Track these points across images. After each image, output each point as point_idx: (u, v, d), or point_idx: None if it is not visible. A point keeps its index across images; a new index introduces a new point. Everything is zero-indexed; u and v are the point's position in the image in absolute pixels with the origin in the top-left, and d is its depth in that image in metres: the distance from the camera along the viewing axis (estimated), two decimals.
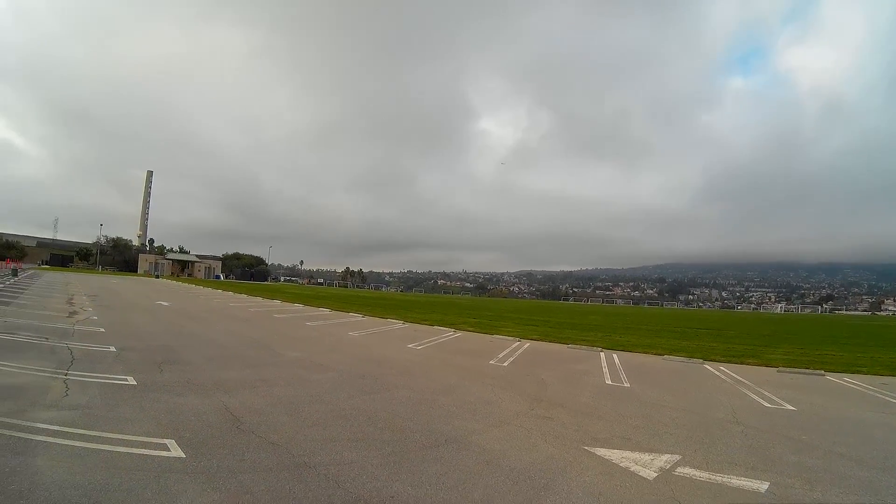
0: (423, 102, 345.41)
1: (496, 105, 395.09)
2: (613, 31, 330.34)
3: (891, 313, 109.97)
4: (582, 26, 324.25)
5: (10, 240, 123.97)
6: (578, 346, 19.62)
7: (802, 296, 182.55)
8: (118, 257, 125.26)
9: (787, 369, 16.21)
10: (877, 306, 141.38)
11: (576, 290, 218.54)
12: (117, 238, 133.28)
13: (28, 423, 6.51)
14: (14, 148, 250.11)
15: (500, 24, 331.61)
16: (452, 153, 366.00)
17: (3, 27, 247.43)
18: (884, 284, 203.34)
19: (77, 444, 5.98)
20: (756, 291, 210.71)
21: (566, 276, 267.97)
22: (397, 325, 25.25)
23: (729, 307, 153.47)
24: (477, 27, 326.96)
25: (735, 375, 14.81)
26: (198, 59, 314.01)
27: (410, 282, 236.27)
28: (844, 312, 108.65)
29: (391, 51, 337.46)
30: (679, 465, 6.66)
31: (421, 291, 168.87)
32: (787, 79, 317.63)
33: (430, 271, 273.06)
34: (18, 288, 32.41)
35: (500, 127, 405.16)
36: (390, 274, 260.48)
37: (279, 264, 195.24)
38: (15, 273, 48.76)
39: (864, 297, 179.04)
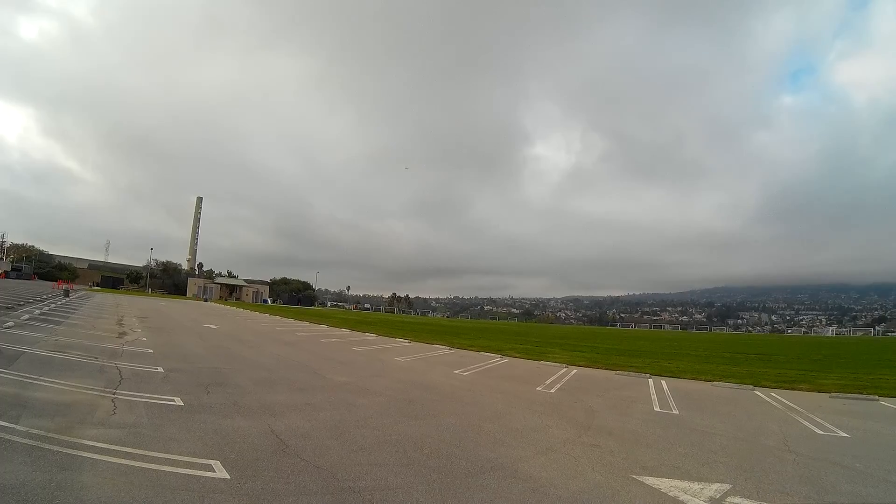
0: (478, 127, 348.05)
1: (549, 129, 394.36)
2: (667, 52, 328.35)
3: None
4: (637, 47, 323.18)
5: (62, 262, 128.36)
6: (626, 373, 19.11)
7: (854, 318, 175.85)
8: (168, 280, 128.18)
9: (840, 394, 15.53)
10: None
11: (623, 315, 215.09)
12: (167, 262, 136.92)
13: (75, 440, 6.51)
14: (72, 174, 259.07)
15: (556, 47, 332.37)
16: (505, 178, 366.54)
17: (62, 57, 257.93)
18: None
19: (123, 461, 5.94)
20: (806, 314, 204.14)
21: (613, 301, 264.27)
22: (444, 350, 25.02)
23: (779, 331, 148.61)
24: (534, 51, 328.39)
25: (786, 401, 14.22)
26: (257, 87, 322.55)
27: (457, 307, 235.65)
28: None
29: (448, 78, 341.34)
30: (729, 495, 6.38)
31: (467, 317, 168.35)
32: (840, 94, 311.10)
33: (476, 297, 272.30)
34: (70, 308, 33.18)
35: (553, 151, 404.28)
36: (436, 299, 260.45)
37: (326, 289, 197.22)
38: (67, 294, 50.05)
39: None
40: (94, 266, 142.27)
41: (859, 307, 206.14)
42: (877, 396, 15.26)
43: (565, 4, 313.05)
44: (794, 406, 13.48)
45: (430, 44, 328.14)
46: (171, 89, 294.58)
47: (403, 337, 31.60)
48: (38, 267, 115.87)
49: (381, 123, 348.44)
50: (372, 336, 31.75)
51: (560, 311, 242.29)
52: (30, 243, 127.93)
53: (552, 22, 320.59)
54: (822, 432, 10.63)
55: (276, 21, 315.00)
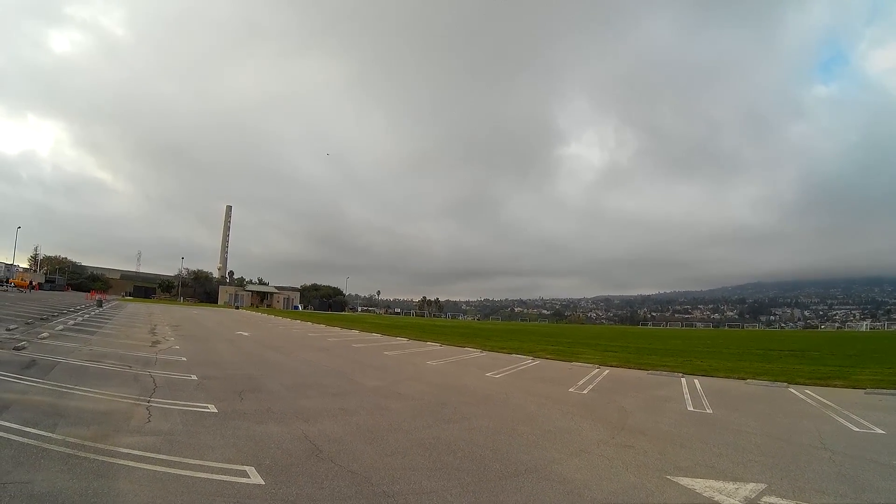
0: (512, 127, 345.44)
1: (582, 126, 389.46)
2: (699, 45, 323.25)
3: None
4: (669, 41, 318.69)
5: (95, 272, 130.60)
6: (659, 372, 18.83)
7: (888, 311, 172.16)
8: (199, 289, 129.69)
9: (876, 390, 15.12)
10: None
11: (654, 314, 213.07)
12: (198, 270, 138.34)
13: (111, 448, 6.55)
14: (104, 186, 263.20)
15: (589, 44, 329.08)
16: (539, 177, 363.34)
17: (93, 68, 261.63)
18: None
19: (159, 469, 5.96)
20: (840, 309, 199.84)
21: (644, 300, 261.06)
22: (475, 353, 24.90)
23: (812, 326, 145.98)
24: (567, 48, 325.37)
25: (821, 398, 13.90)
26: (290, 92, 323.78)
27: (487, 310, 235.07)
28: None
29: (483, 77, 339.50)
30: (765, 495, 6.26)
31: (498, 319, 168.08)
32: (876, 82, 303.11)
33: (506, 299, 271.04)
34: (103, 318, 33.69)
35: (586, 148, 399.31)
36: (466, 302, 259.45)
37: (356, 294, 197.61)
38: (100, 304, 50.83)
39: None
40: (126, 276, 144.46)
41: (894, 300, 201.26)
42: None
43: (596, 2, 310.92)
44: (829, 403, 13.18)
45: (461, 44, 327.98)
46: (203, 96, 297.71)
47: (434, 340, 31.54)
48: (71, 278, 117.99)
49: (414, 125, 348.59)
50: (403, 340, 31.73)
51: (591, 311, 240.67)
52: (63, 255, 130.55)
53: (585, 19, 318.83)
54: (857, 429, 10.39)
55: (311, 26, 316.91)
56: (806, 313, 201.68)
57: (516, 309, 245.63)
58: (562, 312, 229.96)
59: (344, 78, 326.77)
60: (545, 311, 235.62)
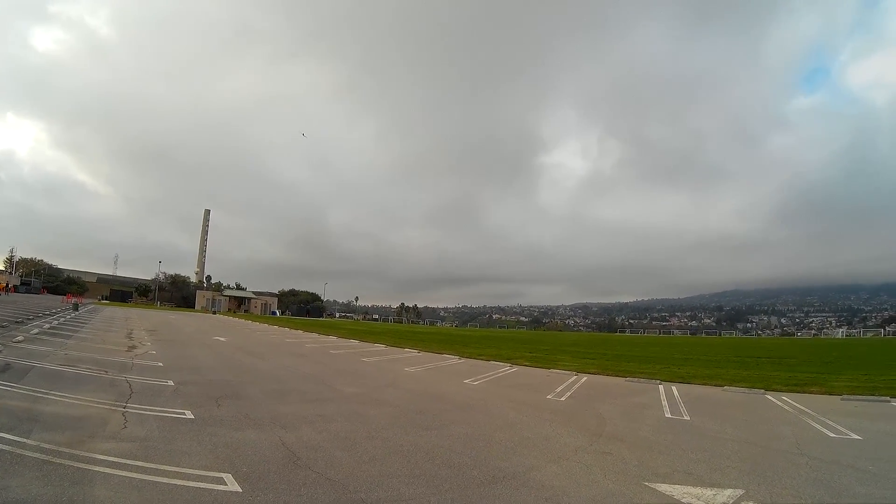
0: (497, 135, 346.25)
1: (567, 135, 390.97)
2: (685, 57, 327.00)
3: None
4: (656, 53, 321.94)
5: (71, 275, 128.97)
6: (637, 379, 18.99)
7: (864, 319, 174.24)
8: (176, 293, 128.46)
9: (852, 396, 15.38)
10: None
11: (632, 321, 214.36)
12: (175, 274, 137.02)
13: (87, 454, 6.51)
14: (85, 188, 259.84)
15: (576, 55, 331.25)
16: (523, 185, 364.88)
17: (78, 68, 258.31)
18: None
19: (135, 475, 5.93)
20: (816, 316, 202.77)
21: (622, 307, 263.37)
22: (453, 360, 24.94)
23: (788, 334, 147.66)
24: (554, 59, 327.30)
25: (798, 405, 14.10)
26: (278, 96, 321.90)
27: (465, 316, 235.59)
28: None
29: (471, 86, 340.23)
30: (743, 500, 6.36)
31: (476, 326, 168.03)
32: (856, 94, 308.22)
33: (485, 306, 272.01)
34: (79, 322, 33.29)
35: (570, 157, 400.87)
36: (445, 309, 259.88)
37: (334, 300, 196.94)
38: (76, 308, 50.14)
39: None
40: (102, 280, 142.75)
41: (869, 308, 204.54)
42: (889, 398, 15.10)
43: (585, 14, 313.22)
44: (806, 409, 13.37)
45: (451, 53, 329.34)
46: (190, 98, 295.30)
47: (412, 347, 31.52)
48: (47, 281, 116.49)
49: (401, 133, 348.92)
50: (381, 347, 31.70)
51: (569, 318, 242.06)
52: (39, 257, 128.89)
53: (575, 29, 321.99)
54: (834, 435, 10.56)
55: (302, 30, 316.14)
56: (783, 321, 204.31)
57: (494, 316, 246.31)
58: (540, 319, 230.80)
59: (333, 84, 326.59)
60: (523, 318, 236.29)
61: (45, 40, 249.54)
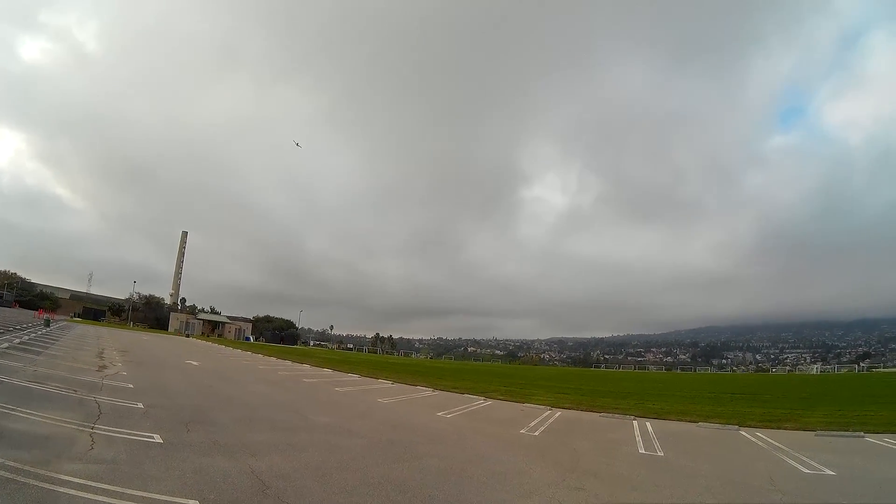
0: (479, 168, 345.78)
1: (547, 169, 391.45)
2: (670, 94, 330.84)
3: None
4: (641, 88, 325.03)
5: (44, 290, 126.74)
6: (611, 414, 19.05)
7: (839, 355, 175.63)
8: (150, 314, 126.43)
9: (826, 432, 15.55)
10: None
11: (607, 356, 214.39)
12: (150, 295, 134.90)
13: (52, 474, 6.40)
14: (61, 201, 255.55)
15: (561, 86, 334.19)
16: (502, 218, 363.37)
17: (63, 80, 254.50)
18: None
19: (100, 498, 5.85)
20: (791, 353, 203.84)
21: (597, 342, 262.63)
22: (427, 392, 24.80)
23: (763, 370, 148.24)
24: (539, 91, 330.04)
25: (772, 441, 14.23)
26: (263, 120, 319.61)
27: (440, 348, 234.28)
28: (882, 370, 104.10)
29: (453, 117, 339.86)
30: None
31: (451, 358, 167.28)
32: (832, 133, 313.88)
33: (460, 338, 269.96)
34: (50, 339, 32.72)
35: (550, 191, 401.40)
36: (420, 340, 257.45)
37: (309, 328, 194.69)
38: (47, 324, 49.08)
39: None
40: (76, 297, 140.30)
41: (843, 344, 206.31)
42: (862, 433, 15.28)
43: (568, 51, 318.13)
44: (780, 445, 13.49)
45: (432, 83, 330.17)
46: (174, 118, 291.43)
47: (387, 378, 31.29)
48: (19, 294, 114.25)
49: (381, 162, 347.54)
50: (355, 376, 31.45)
51: (544, 352, 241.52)
52: (12, 270, 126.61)
53: (557, 64, 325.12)
54: (808, 471, 10.67)
55: (287, 56, 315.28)
56: (758, 357, 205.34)
57: (470, 348, 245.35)
58: (515, 353, 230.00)
59: (315, 110, 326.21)
60: (499, 352, 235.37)
61: (32, 49, 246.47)
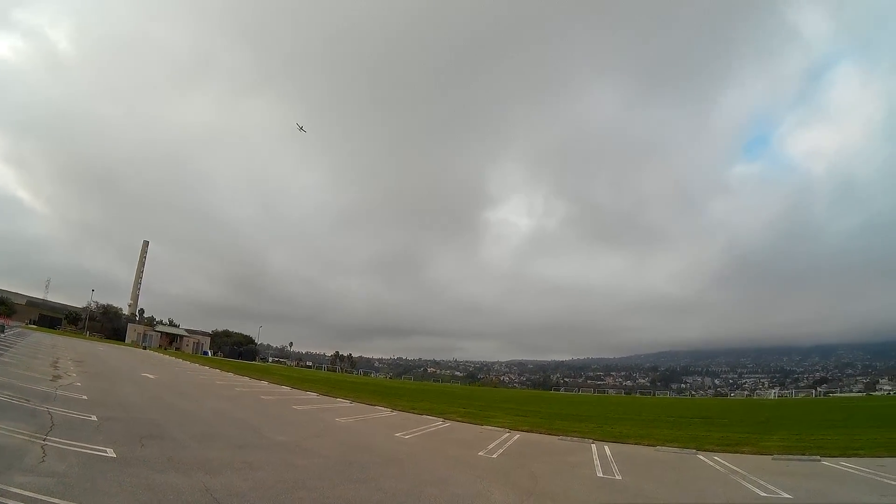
0: (446, 189, 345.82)
1: (514, 192, 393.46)
2: (639, 122, 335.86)
3: (886, 392, 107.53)
4: (610, 115, 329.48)
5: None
6: (570, 438, 19.16)
7: (796, 380, 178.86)
8: (107, 324, 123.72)
9: (783, 456, 15.80)
10: (871, 386, 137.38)
11: (567, 379, 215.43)
12: (108, 305, 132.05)
13: (2, 486, 6.31)
14: (21, 204, 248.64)
15: (531, 112, 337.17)
16: (466, 240, 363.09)
17: (31, 80, 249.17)
18: (878, 363, 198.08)
19: None
20: (749, 378, 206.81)
21: (557, 365, 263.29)
22: (385, 412, 24.70)
23: (722, 395, 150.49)
24: (509, 115, 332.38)
25: (729, 465, 14.43)
26: (230, 132, 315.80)
27: (400, 368, 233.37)
28: (839, 395, 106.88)
29: (422, 139, 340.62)
30: None
31: (410, 378, 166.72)
32: (794, 163, 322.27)
33: (420, 358, 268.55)
34: (3, 345, 31.96)
35: (515, 214, 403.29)
36: (380, 360, 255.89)
37: (268, 344, 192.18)
38: (1, 329, 47.93)
39: (858, 377, 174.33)
40: (32, 303, 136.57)
41: (801, 369, 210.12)
42: (819, 457, 15.56)
43: (539, 76, 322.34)
44: (737, 469, 13.69)
45: (403, 104, 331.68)
46: (140, 125, 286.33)
47: (345, 397, 31.09)
48: None
49: (348, 180, 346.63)
50: (313, 395, 31.21)
51: (504, 374, 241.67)
52: None
53: (526, 91, 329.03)
54: (765, 494, 10.86)
55: (262, 69, 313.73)
56: (717, 381, 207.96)
57: (430, 369, 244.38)
58: (475, 375, 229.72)
59: (286, 126, 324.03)
60: (459, 373, 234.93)
61: (2, 47, 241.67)
